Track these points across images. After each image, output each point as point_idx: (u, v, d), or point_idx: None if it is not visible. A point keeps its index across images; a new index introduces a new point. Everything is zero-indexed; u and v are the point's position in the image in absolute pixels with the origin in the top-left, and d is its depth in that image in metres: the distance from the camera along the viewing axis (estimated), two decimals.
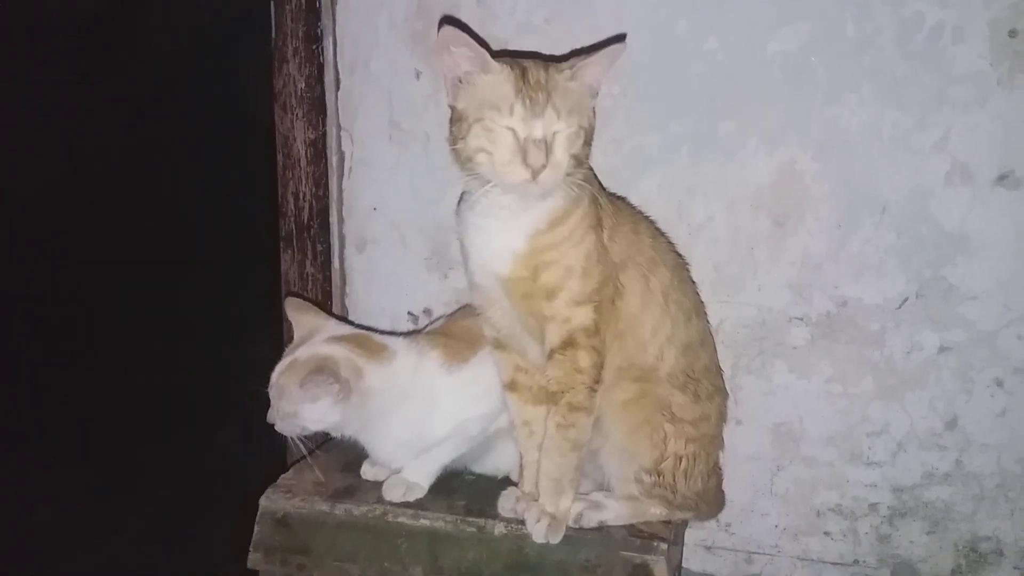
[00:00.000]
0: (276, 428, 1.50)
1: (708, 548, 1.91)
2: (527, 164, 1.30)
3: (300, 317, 1.62)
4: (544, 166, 1.30)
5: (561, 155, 1.33)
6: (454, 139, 1.38)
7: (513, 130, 1.31)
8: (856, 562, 1.83)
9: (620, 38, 1.57)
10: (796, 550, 1.86)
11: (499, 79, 1.33)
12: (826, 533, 1.84)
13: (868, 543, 1.82)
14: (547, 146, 1.31)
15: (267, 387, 1.51)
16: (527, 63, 1.36)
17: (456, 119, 1.38)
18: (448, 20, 1.70)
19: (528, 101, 1.30)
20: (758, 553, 1.89)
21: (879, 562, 1.82)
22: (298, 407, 1.47)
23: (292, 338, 1.62)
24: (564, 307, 1.40)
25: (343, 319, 1.87)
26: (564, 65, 1.37)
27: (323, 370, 1.46)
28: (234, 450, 2.07)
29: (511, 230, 1.39)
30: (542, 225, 1.38)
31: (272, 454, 2.05)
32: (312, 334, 1.57)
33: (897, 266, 1.70)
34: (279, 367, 1.50)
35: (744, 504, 1.86)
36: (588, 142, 1.39)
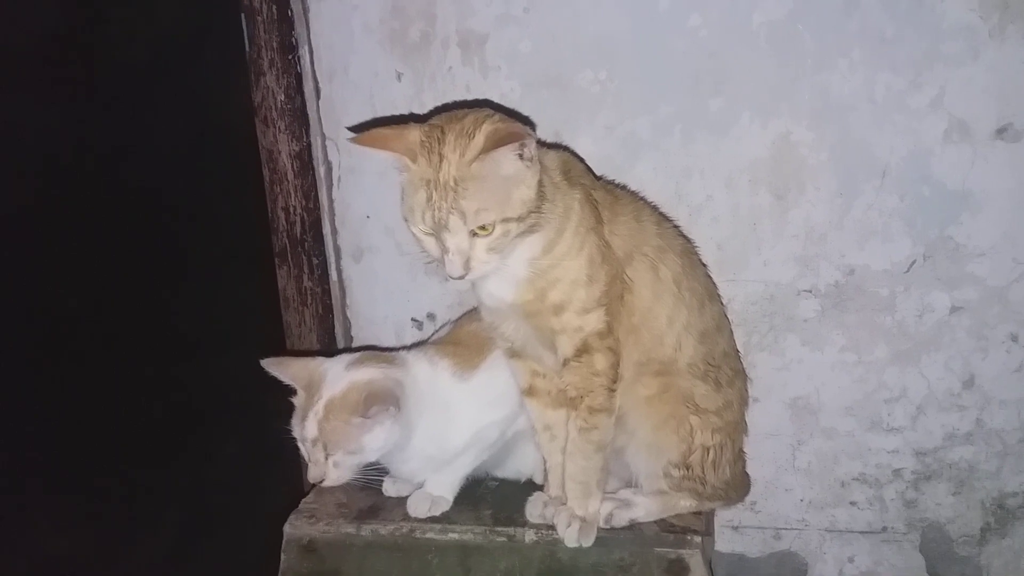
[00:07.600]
0: (327, 483, 1.45)
1: (735, 528, 1.90)
2: (449, 272, 1.26)
3: (288, 370, 1.51)
4: (465, 274, 1.26)
5: (484, 255, 1.26)
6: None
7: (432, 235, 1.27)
8: (885, 529, 1.83)
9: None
10: (823, 522, 1.86)
11: (415, 180, 1.25)
12: (852, 503, 1.83)
13: (895, 509, 1.82)
14: (467, 251, 1.25)
15: (297, 444, 1.47)
16: (446, 148, 1.23)
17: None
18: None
19: (435, 211, 1.23)
20: (786, 529, 1.88)
21: (907, 527, 1.82)
22: (360, 441, 1.43)
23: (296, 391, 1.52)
24: (575, 318, 1.36)
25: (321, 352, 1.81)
26: (475, 143, 1.23)
27: (376, 394, 1.42)
28: (243, 469, 2.05)
29: (509, 259, 1.32)
30: (537, 253, 1.33)
31: (282, 470, 2.02)
32: (318, 375, 1.49)
33: (902, 229, 1.68)
34: (310, 419, 1.44)
35: (768, 481, 1.85)
36: (533, 211, 1.27)
